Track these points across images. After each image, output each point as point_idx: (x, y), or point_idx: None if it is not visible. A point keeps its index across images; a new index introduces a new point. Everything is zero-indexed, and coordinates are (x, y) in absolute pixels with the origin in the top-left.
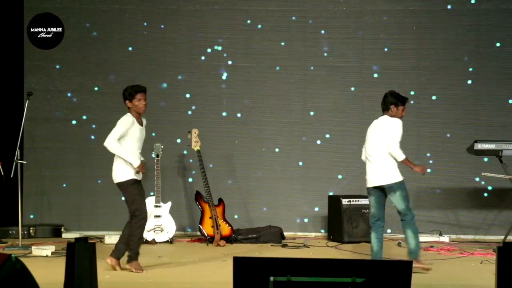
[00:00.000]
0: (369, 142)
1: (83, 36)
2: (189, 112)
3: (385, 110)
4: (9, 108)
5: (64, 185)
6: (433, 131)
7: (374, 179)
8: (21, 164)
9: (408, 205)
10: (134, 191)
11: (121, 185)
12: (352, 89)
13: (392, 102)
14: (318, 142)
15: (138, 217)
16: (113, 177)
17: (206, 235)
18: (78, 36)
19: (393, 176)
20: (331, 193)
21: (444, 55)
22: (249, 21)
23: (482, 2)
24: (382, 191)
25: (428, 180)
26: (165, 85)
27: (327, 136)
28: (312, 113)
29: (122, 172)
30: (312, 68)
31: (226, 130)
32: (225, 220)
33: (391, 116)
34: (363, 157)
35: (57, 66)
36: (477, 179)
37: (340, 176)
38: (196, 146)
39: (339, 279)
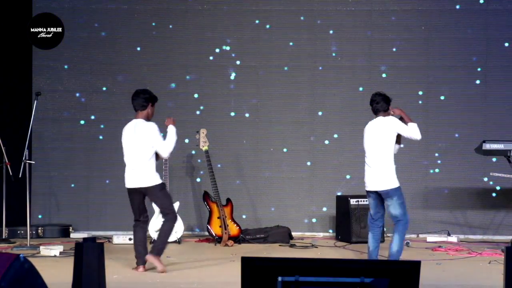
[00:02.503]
0: (369, 146)
1: (91, 36)
2: (197, 112)
3: (385, 111)
4: (17, 108)
5: (73, 185)
6: (441, 131)
7: (374, 183)
8: (30, 164)
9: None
10: (167, 192)
11: (156, 188)
12: (361, 89)
13: (387, 103)
14: (326, 142)
15: (173, 213)
16: (145, 182)
17: (214, 235)
18: (87, 36)
19: (390, 181)
20: (339, 193)
21: (453, 55)
22: (257, 21)
23: (490, 2)
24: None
25: (437, 180)
26: (173, 85)
27: (335, 136)
28: (320, 113)
29: (156, 175)
30: (320, 68)
31: (234, 130)
32: (233, 220)
33: (385, 116)
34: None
35: (66, 66)
36: (485, 179)
37: (348, 176)
38: (204, 146)
39: (347, 279)
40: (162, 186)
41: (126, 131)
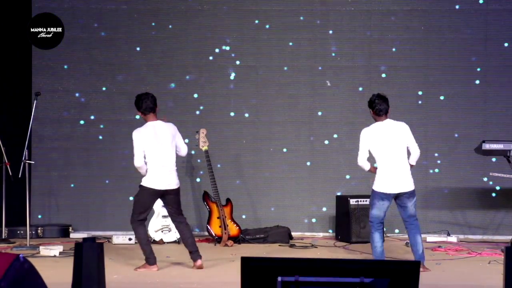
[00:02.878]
0: (391, 147)
1: (91, 36)
2: (197, 112)
3: (386, 113)
4: (17, 108)
5: (72, 185)
6: (441, 131)
7: (404, 184)
8: (29, 164)
9: None
10: None
11: (179, 189)
12: (360, 89)
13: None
14: (326, 142)
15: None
16: (177, 183)
17: (214, 235)
18: (86, 36)
19: (413, 181)
20: (339, 193)
21: (452, 55)
22: (257, 21)
23: (490, 2)
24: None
25: (436, 180)
26: (173, 85)
27: (335, 136)
28: (320, 113)
29: None
30: (320, 68)
31: (234, 130)
32: (233, 220)
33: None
34: (366, 163)
35: (65, 66)
36: (485, 179)
37: (348, 176)
38: (204, 146)
39: (347, 279)
40: None
41: (152, 133)
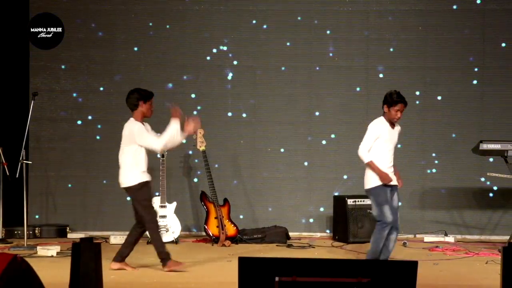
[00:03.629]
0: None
1: (88, 36)
2: (195, 112)
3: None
4: (14, 108)
5: (70, 185)
6: (438, 131)
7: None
8: (27, 164)
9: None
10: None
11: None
12: (358, 89)
13: (384, 102)
14: (324, 142)
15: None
16: (125, 182)
17: (211, 235)
18: (84, 36)
19: (370, 181)
20: (336, 193)
21: (450, 55)
22: (254, 21)
23: (487, 2)
24: None
25: (434, 180)
26: (170, 85)
27: (333, 136)
28: (317, 113)
29: (135, 175)
30: (317, 68)
31: (231, 130)
32: (230, 220)
33: (384, 116)
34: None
35: (63, 66)
36: (482, 179)
37: (345, 177)
38: (201, 146)
39: (344, 279)
40: (139, 186)
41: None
